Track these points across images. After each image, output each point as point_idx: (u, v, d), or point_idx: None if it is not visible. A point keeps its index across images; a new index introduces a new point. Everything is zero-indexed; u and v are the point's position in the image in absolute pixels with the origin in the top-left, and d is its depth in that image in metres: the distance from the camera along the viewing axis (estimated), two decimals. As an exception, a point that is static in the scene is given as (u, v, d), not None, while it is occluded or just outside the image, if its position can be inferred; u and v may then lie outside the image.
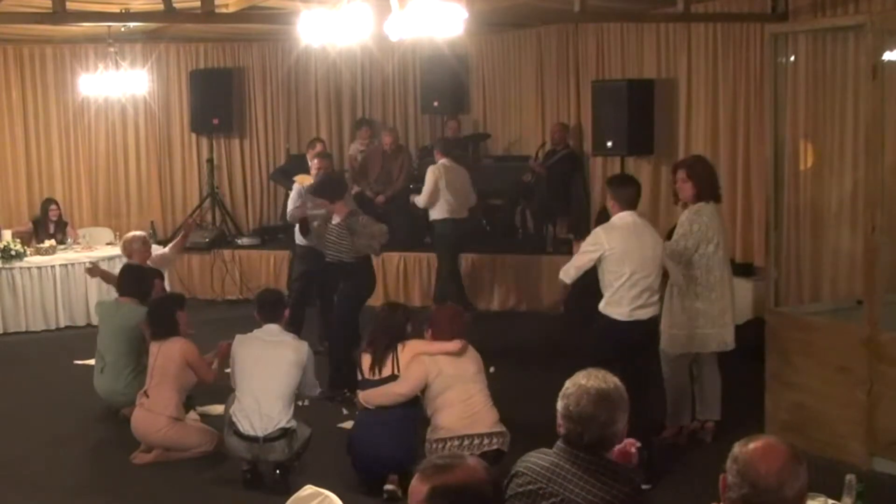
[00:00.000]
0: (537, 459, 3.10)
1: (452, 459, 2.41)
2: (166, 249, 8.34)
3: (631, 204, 5.70)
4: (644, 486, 5.26)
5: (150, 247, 8.01)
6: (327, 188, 7.58)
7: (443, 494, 2.31)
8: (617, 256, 5.53)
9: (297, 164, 10.35)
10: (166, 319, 6.34)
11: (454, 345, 5.53)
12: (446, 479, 2.33)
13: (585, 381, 3.10)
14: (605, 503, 2.94)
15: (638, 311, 5.54)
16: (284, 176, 10.23)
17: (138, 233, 8.12)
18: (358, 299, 7.51)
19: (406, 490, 5.32)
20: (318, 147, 10.14)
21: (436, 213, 9.52)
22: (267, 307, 5.97)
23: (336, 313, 7.64)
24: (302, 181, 9.67)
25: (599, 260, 5.60)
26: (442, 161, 9.50)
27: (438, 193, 9.36)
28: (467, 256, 10.31)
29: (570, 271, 5.72)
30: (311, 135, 12.15)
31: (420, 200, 9.55)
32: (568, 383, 3.14)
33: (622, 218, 5.66)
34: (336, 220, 7.36)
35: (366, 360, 5.57)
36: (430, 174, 9.42)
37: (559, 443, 3.08)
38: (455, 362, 5.50)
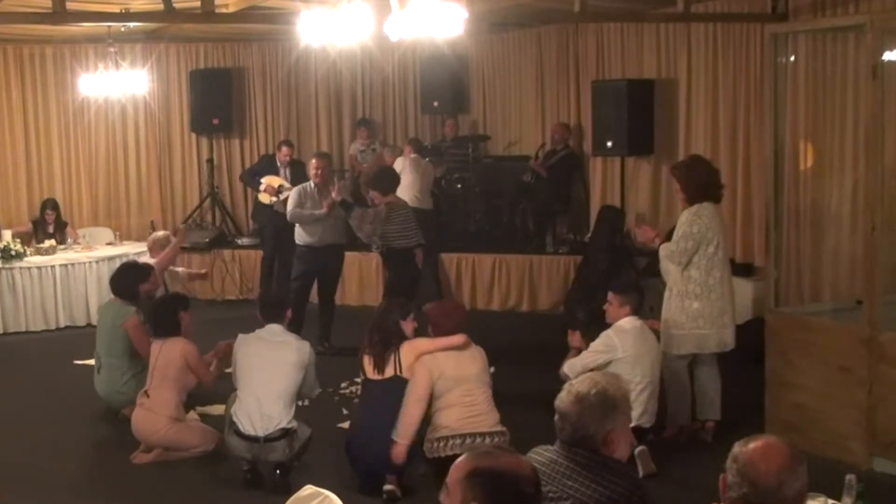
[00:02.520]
0: (536, 457, 3.13)
1: (502, 450, 2.45)
2: (180, 271, 8.38)
3: (638, 308, 5.90)
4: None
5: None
6: (382, 181, 7.93)
7: (480, 475, 2.32)
8: (630, 362, 5.59)
9: (267, 165, 10.43)
10: (168, 319, 6.34)
11: (458, 338, 5.53)
12: (488, 463, 2.33)
13: (577, 381, 3.17)
14: (604, 498, 2.96)
15: (643, 418, 5.58)
16: (254, 178, 10.36)
17: (161, 233, 8.41)
18: (391, 289, 7.70)
19: (405, 491, 5.38)
20: (285, 149, 10.23)
21: None
22: (269, 307, 5.98)
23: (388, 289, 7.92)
24: (270, 182, 9.88)
25: (607, 363, 5.64)
26: (411, 156, 10.17)
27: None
28: (468, 256, 10.33)
29: (576, 368, 5.63)
30: (311, 135, 12.20)
31: None
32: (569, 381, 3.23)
33: (630, 322, 5.83)
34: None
35: (367, 361, 5.55)
36: (396, 164, 10.05)
37: (557, 443, 3.12)
38: (457, 362, 5.48)
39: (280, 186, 10.02)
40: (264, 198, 10.11)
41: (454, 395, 5.41)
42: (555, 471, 3.04)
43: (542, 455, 3.13)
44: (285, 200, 9.97)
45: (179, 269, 8.49)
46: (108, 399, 6.92)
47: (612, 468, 3.03)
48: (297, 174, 10.15)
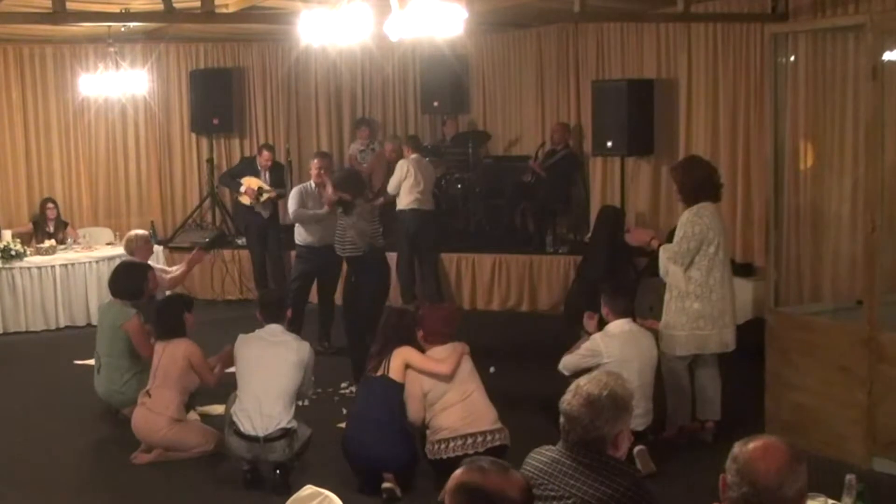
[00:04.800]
0: (539, 457, 3.16)
1: (498, 466, 2.49)
2: (176, 273, 8.13)
3: (626, 313, 5.88)
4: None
5: (151, 245, 8.14)
6: (351, 183, 7.70)
7: (467, 491, 2.42)
8: (615, 366, 5.56)
9: (247, 167, 10.48)
10: (173, 320, 6.34)
11: (446, 367, 5.48)
12: (477, 480, 2.42)
13: (584, 383, 3.17)
14: (606, 496, 2.97)
15: (635, 422, 5.51)
16: (233, 179, 10.44)
17: (141, 232, 8.17)
18: (368, 294, 7.60)
19: (405, 489, 5.38)
20: (266, 153, 10.25)
21: (402, 203, 9.91)
22: (270, 307, 5.99)
23: (349, 309, 7.71)
24: (249, 184, 9.92)
25: (596, 367, 5.64)
26: (412, 156, 9.99)
27: (405, 183, 9.90)
28: (468, 256, 10.34)
29: (569, 366, 5.78)
30: (311, 135, 12.20)
31: (390, 187, 10.10)
32: (576, 381, 3.21)
33: (619, 326, 5.83)
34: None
35: (372, 361, 5.62)
36: (400, 166, 9.98)
37: (560, 444, 3.12)
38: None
39: (260, 189, 10.08)
40: (244, 199, 10.18)
41: (453, 395, 5.42)
42: (557, 470, 3.06)
43: (543, 455, 3.15)
44: (265, 203, 10.04)
45: (175, 274, 8.24)
46: (107, 399, 6.92)
47: (615, 467, 3.05)
48: (277, 177, 10.21)
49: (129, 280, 7.04)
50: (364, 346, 7.29)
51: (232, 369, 6.08)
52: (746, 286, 7.82)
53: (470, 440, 5.32)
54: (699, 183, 5.98)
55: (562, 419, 3.11)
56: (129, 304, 6.88)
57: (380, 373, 5.51)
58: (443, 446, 5.35)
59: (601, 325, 5.97)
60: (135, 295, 6.94)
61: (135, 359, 6.74)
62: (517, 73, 11.38)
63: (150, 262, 7.94)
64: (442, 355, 5.53)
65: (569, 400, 3.11)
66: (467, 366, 5.55)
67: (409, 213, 9.91)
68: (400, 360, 5.50)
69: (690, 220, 5.91)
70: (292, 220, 8.62)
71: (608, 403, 3.07)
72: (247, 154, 11.95)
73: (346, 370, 7.57)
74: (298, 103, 12.19)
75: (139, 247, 7.82)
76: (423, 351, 5.62)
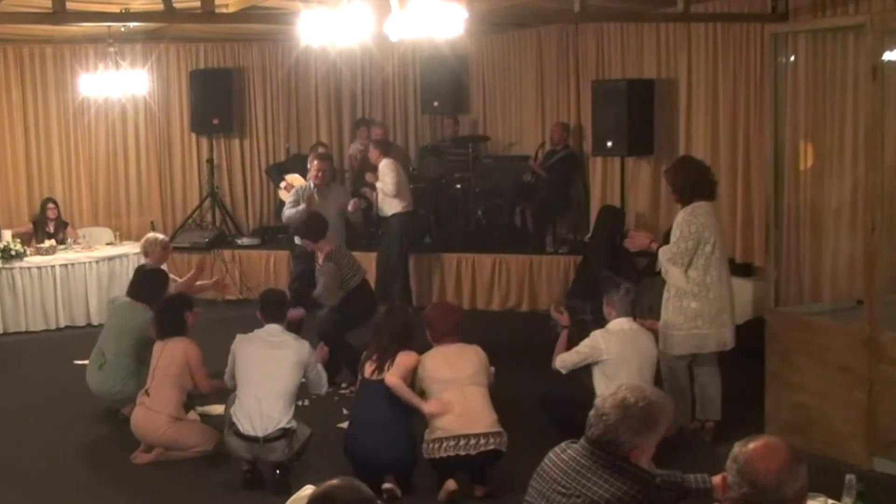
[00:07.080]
0: (560, 453, 3.20)
1: (348, 481, 2.57)
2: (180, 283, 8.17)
3: (628, 312, 5.88)
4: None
5: (169, 251, 8.18)
6: (311, 230, 7.58)
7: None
8: (614, 364, 5.60)
9: (296, 164, 10.41)
10: (173, 319, 6.35)
11: (426, 407, 5.44)
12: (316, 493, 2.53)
13: (627, 388, 3.21)
14: (615, 499, 2.99)
15: None
16: (278, 173, 10.32)
17: (161, 237, 8.20)
18: (349, 319, 7.48)
19: (405, 489, 5.38)
20: (320, 150, 10.18)
21: (394, 208, 9.57)
22: (271, 307, 5.98)
23: (322, 325, 7.51)
24: (291, 181, 9.82)
25: (595, 364, 5.68)
26: (384, 161, 9.52)
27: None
28: (468, 256, 10.33)
29: (567, 363, 5.79)
30: (311, 135, 12.20)
31: (390, 190, 9.50)
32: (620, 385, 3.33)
33: (619, 324, 5.83)
34: (320, 258, 7.47)
35: (370, 363, 5.59)
36: (392, 167, 9.47)
37: (582, 439, 3.16)
38: (449, 365, 5.50)
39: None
40: (283, 195, 10.07)
41: (449, 396, 5.41)
42: (572, 468, 3.10)
43: (564, 452, 3.19)
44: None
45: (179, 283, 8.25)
46: (104, 396, 6.90)
47: (627, 470, 3.07)
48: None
49: (149, 285, 7.06)
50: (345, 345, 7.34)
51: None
52: (746, 286, 7.81)
53: (462, 441, 5.30)
54: (693, 183, 6.00)
55: (591, 412, 3.15)
56: (146, 308, 6.86)
57: (384, 375, 5.50)
58: (436, 446, 5.34)
59: (601, 323, 5.99)
60: (152, 300, 6.94)
61: (140, 359, 6.74)
62: (517, 73, 11.39)
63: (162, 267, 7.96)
64: (440, 365, 5.52)
65: (606, 397, 3.16)
66: (471, 367, 5.53)
67: (402, 217, 9.64)
68: (404, 363, 5.50)
69: (686, 220, 5.92)
70: (285, 222, 8.59)
71: (639, 414, 3.09)
72: (246, 154, 12.06)
73: (346, 370, 7.56)
74: (298, 103, 12.20)
75: (155, 251, 7.84)
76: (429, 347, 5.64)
